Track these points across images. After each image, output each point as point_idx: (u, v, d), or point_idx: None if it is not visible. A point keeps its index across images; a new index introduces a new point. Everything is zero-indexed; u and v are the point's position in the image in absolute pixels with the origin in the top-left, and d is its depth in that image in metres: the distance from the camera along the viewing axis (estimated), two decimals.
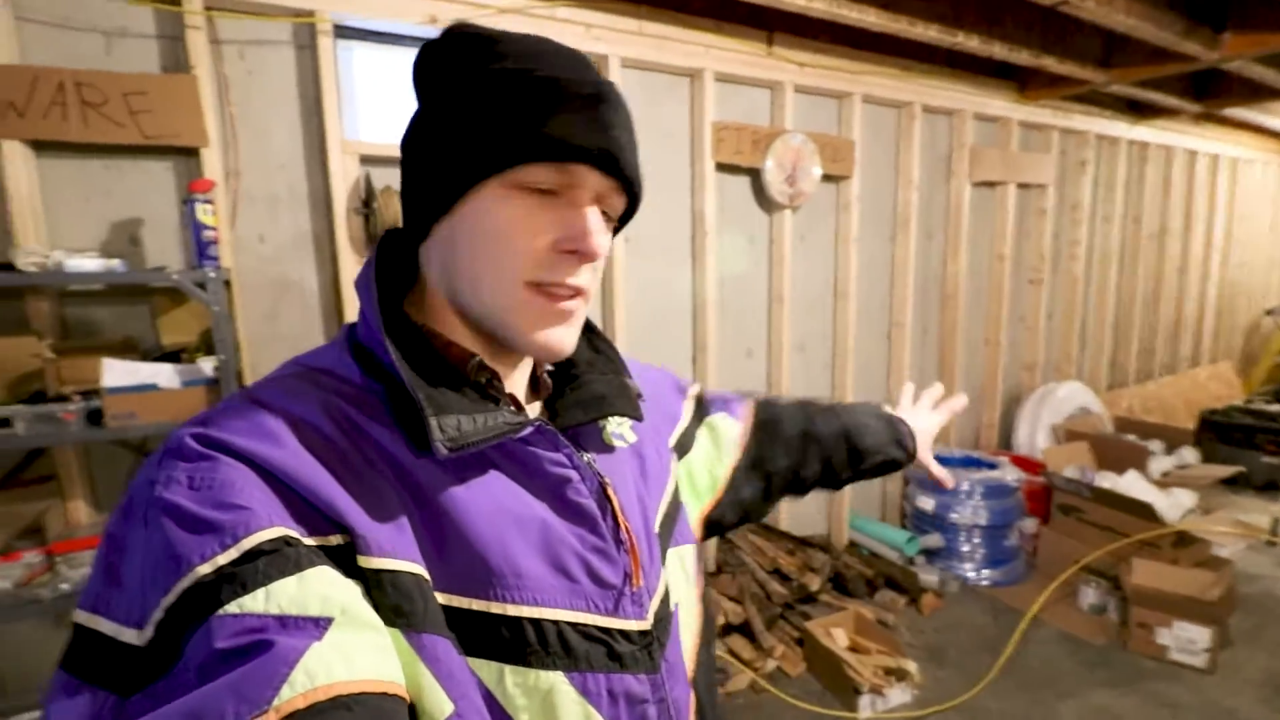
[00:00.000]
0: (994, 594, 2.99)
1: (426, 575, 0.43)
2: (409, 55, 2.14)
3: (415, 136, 0.51)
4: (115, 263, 1.56)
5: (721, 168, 2.67)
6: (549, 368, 0.59)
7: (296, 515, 0.40)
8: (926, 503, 3.21)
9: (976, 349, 3.82)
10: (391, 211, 1.94)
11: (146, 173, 1.76)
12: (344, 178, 1.94)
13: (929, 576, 2.98)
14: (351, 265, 1.99)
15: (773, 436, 0.83)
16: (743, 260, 2.86)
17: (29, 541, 1.61)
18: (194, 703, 0.31)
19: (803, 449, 0.84)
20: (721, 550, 2.91)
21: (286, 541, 0.38)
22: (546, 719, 0.46)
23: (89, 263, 1.52)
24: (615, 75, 2.33)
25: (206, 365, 1.62)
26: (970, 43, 2.68)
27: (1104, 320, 4.56)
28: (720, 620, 2.52)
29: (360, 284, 0.51)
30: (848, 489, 2.99)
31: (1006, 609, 2.84)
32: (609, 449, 0.58)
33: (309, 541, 0.39)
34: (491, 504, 0.47)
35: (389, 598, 0.40)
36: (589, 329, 0.62)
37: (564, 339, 0.51)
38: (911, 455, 0.93)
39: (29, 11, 1.62)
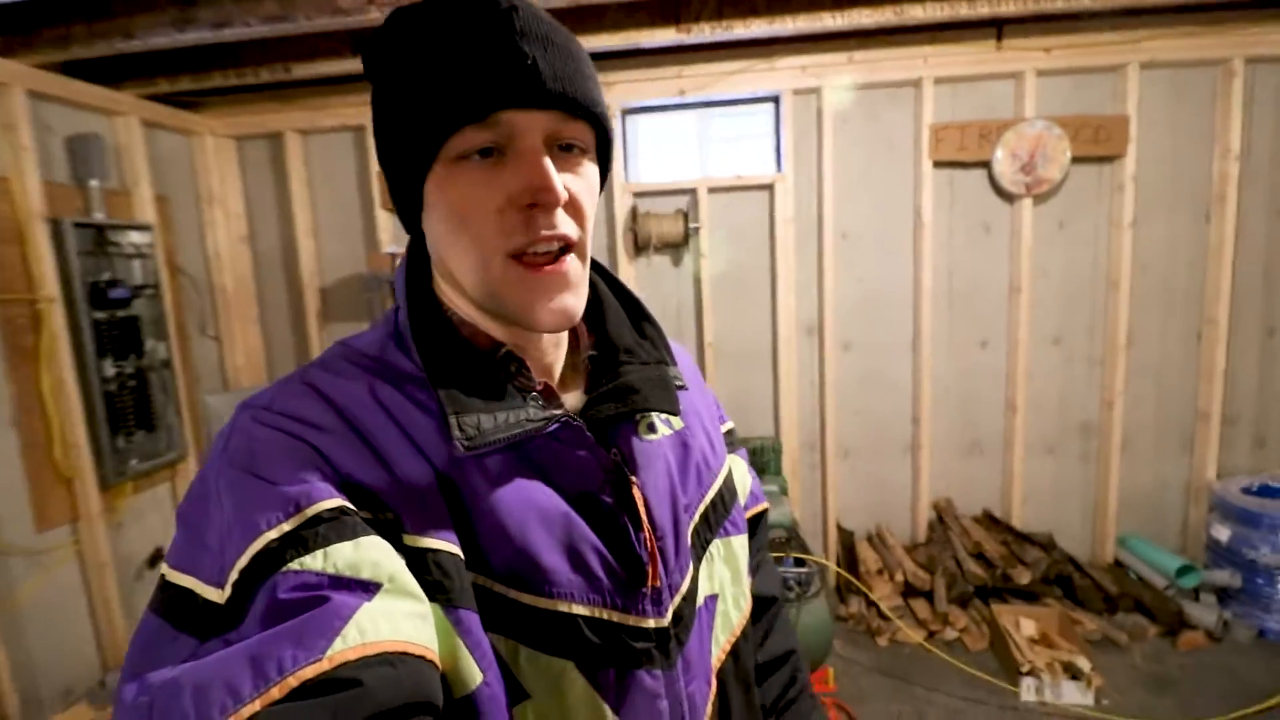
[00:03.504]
0: None
1: (461, 554, 0.45)
2: (670, 116, 3.04)
3: (375, 138, 0.51)
4: None
5: (948, 164, 2.84)
6: (592, 351, 0.58)
7: (345, 494, 0.43)
8: (1221, 533, 2.70)
9: None
10: (646, 229, 2.87)
11: None
12: (621, 207, 2.95)
13: (1204, 615, 2.57)
14: (625, 266, 2.99)
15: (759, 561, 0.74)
16: (974, 251, 2.94)
17: None
18: (257, 646, 0.35)
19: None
20: (933, 524, 3.06)
21: (344, 511, 0.41)
22: (555, 699, 0.47)
23: None
24: (829, 100, 2.81)
25: None
26: None
27: None
28: (899, 578, 2.77)
29: (397, 278, 0.53)
30: (1127, 502, 2.82)
31: None
32: (645, 441, 0.56)
33: (363, 514, 0.43)
34: (517, 497, 0.47)
35: (431, 574, 0.43)
36: (642, 315, 0.62)
37: (563, 306, 0.49)
38: None
39: None
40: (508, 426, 0.47)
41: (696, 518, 0.59)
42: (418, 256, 0.55)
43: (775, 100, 2.93)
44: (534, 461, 0.49)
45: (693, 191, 2.96)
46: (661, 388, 0.57)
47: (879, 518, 3.16)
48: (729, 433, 0.73)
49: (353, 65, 2.53)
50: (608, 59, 2.79)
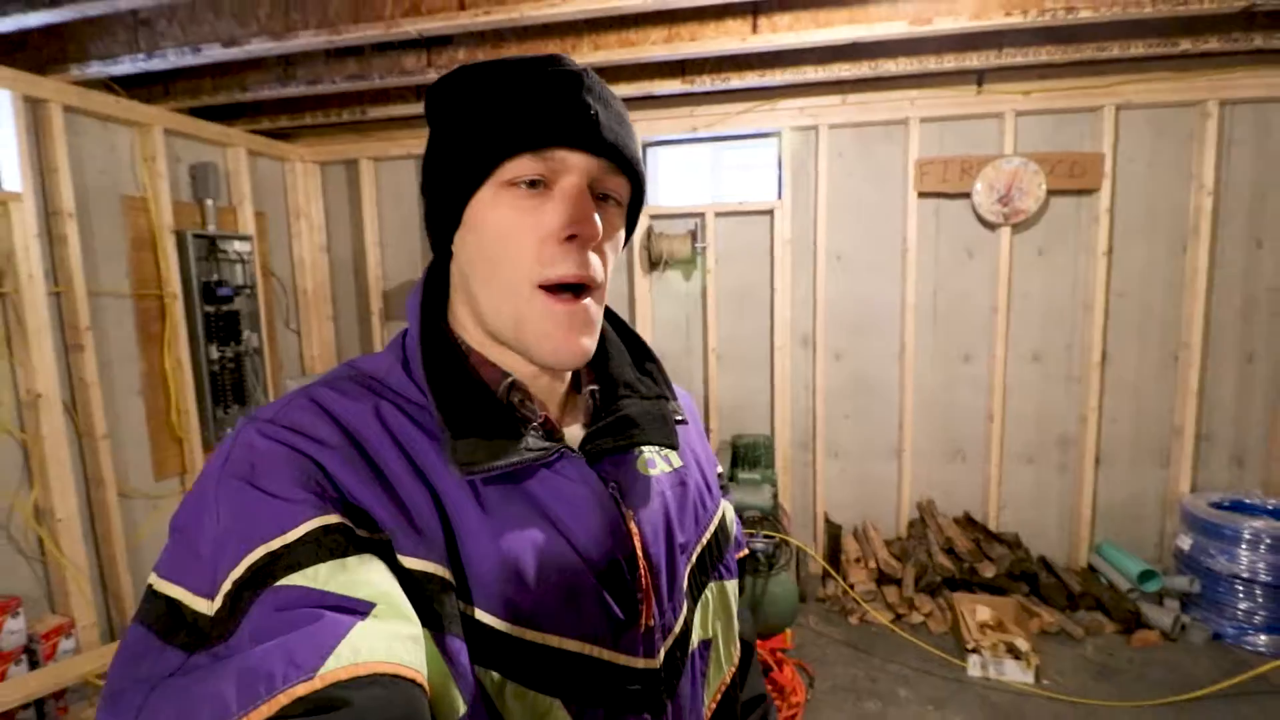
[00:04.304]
0: (1257, 659, 2.58)
1: (453, 580, 0.45)
2: (682, 149, 3.45)
3: (424, 166, 0.53)
4: None
5: (933, 195, 3.14)
6: (593, 386, 0.58)
7: (343, 512, 0.43)
8: (1185, 542, 2.89)
9: None
10: (659, 247, 3.28)
11: None
12: (639, 228, 3.37)
13: (1160, 616, 2.77)
14: (640, 280, 3.41)
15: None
16: (958, 273, 3.22)
17: None
18: (248, 661, 0.34)
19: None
20: (914, 522, 3.34)
21: (342, 528, 0.41)
22: None
23: None
24: (825, 136, 3.16)
25: None
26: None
27: None
28: (872, 565, 3.07)
29: (410, 304, 0.53)
30: (1104, 511, 3.05)
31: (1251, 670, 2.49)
32: (643, 477, 0.56)
33: (360, 532, 0.42)
34: (512, 528, 0.47)
35: (423, 597, 0.43)
36: (646, 355, 0.62)
37: (579, 343, 0.50)
38: None
39: None
40: (507, 455, 0.47)
41: (693, 559, 0.59)
42: (434, 283, 0.56)
43: (778, 136, 3.30)
44: (531, 494, 0.49)
45: (701, 215, 3.36)
46: (660, 422, 0.58)
47: (866, 514, 3.45)
48: (719, 475, 0.71)
49: (415, 109, 3.06)
50: (629, 101, 3.23)
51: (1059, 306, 3.16)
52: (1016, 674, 2.48)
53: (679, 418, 0.61)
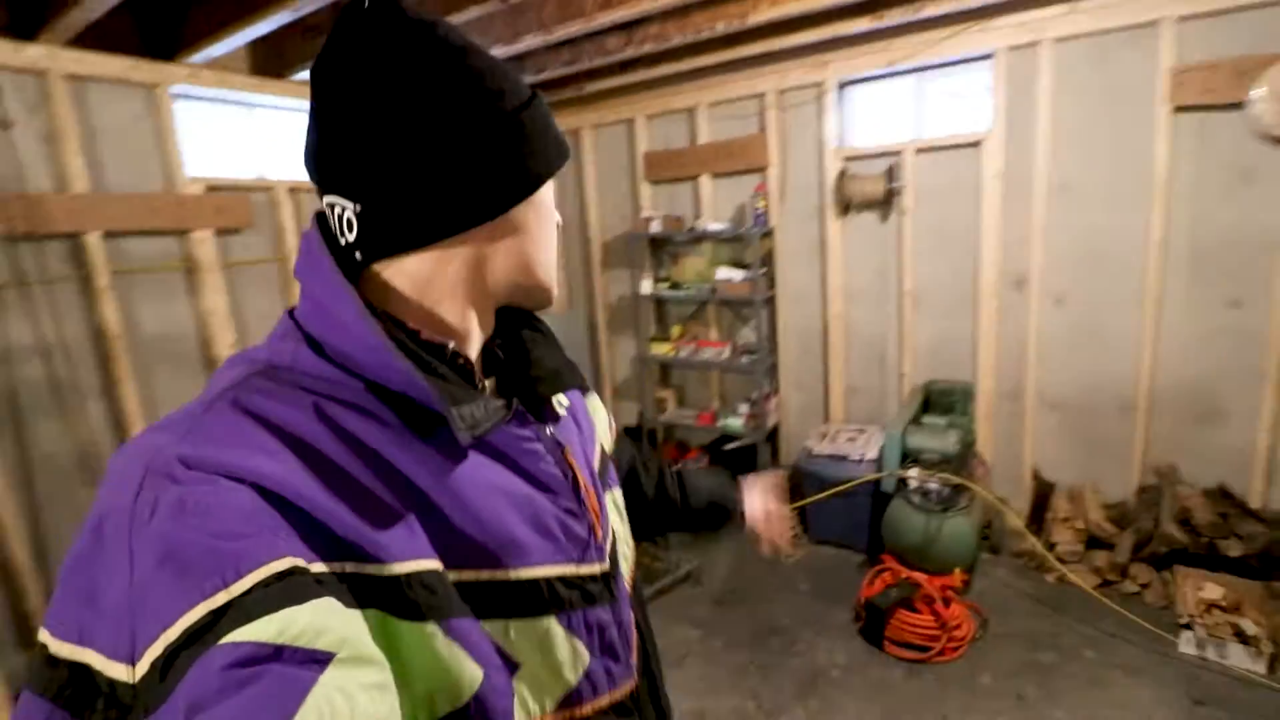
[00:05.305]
0: None
1: (441, 567, 0.46)
2: (885, 85, 3.33)
3: (438, 151, 0.49)
4: (726, 225, 3.57)
5: (1195, 108, 2.63)
6: (498, 340, 0.63)
7: (304, 534, 0.40)
8: None
9: None
10: (849, 190, 3.28)
11: (746, 182, 3.70)
12: (831, 172, 3.39)
13: None
14: (832, 223, 3.45)
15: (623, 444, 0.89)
16: (1228, 202, 2.68)
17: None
18: None
19: (644, 463, 0.92)
20: (1146, 488, 2.98)
21: (291, 572, 0.37)
22: (543, 656, 0.53)
23: (717, 225, 3.58)
24: (1045, 52, 2.81)
25: (751, 272, 3.48)
26: None
27: None
28: (1080, 527, 2.85)
29: (323, 280, 0.48)
30: None
31: None
32: (558, 417, 0.64)
33: (315, 568, 0.39)
34: (484, 483, 0.51)
35: (419, 595, 0.43)
36: (531, 314, 0.66)
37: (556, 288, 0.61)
38: (738, 512, 0.98)
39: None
40: (490, 415, 0.50)
41: (597, 476, 0.67)
42: (348, 257, 0.51)
43: (990, 58, 3.01)
44: (492, 447, 0.52)
45: (899, 153, 3.24)
46: (572, 369, 0.64)
47: (1086, 473, 3.15)
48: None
49: (622, 80, 3.44)
50: (816, 45, 3.22)
51: None
52: (1243, 659, 2.21)
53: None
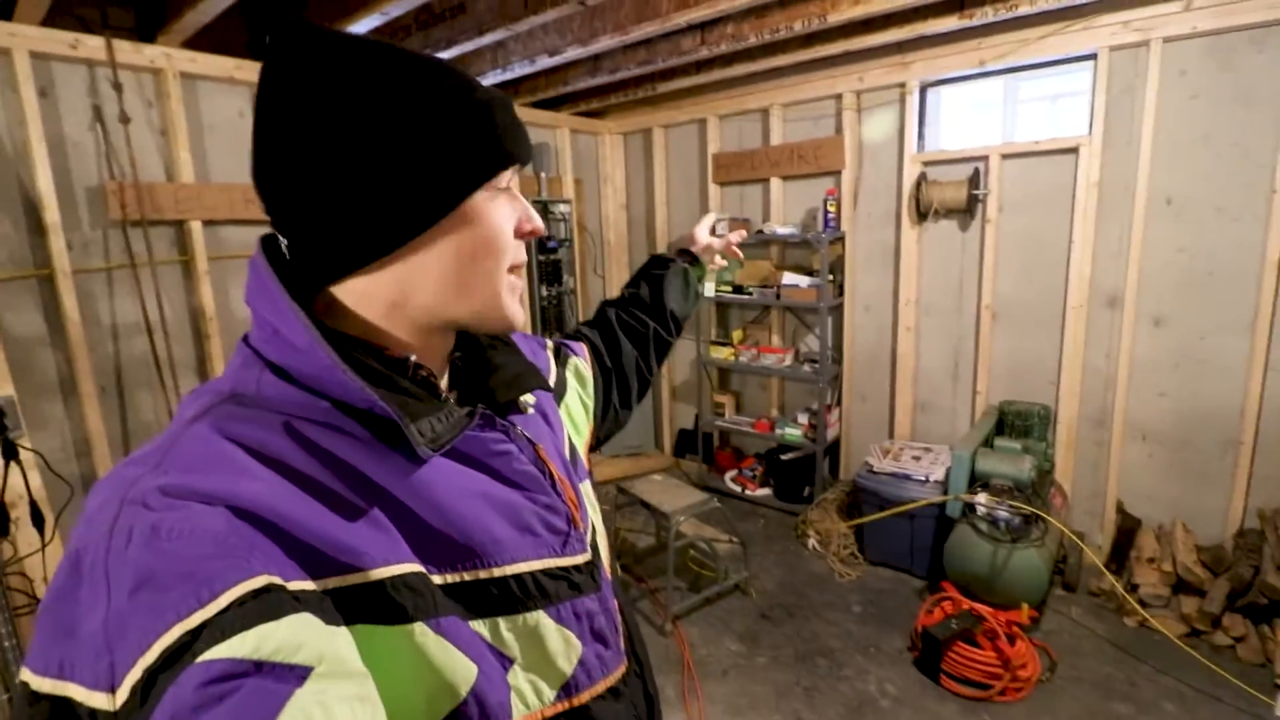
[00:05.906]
0: None
1: (423, 569, 0.48)
2: (970, 86, 3.16)
3: (352, 163, 0.48)
4: (794, 229, 3.49)
5: None
6: (458, 353, 0.64)
7: (282, 552, 0.40)
8: None
9: None
10: (929, 196, 3.13)
11: (817, 185, 3.60)
12: (909, 176, 3.24)
13: None
14: (908, 231, 3.30)
15: (607, 332, 0.96)
16: None
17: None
18: None
19: (629, 314, 1.00)
20: (1246, 531, 2.71)
21: (267, 589, 0.37)
22: (535, 649, 0.54)
23: (785, 229, 3.50)
24: (1158, 53, 2.59)
25: (818, 278, 3.38)
26: None
27: None
28: (1168, 569, 2.62)
29: (273, 304, 0.49)
30: None
31: None
32: (525, 415, 0.64)
33: (294, 585, 0.39)
34: (458, 488, 0.52)
35: (404, 597, 0.44)
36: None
37: (519, 310, 0.58)
38: (690, 252, 1.12)
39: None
40: (452, 426, 0.51)
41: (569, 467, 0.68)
42: (299, 278, 0.52)
43: (1092, 59, 2.80)
44: (462, 454, 0.54)
45: (984, 158, 3.07)
46: (533, 370, 0.66)
47: (1177, 511, 2.90)
48: (555, 345, 0.85)
49: (693, 81, 3.41)
50: (899, 45, 3.09)
51: None
52: None
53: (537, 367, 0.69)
